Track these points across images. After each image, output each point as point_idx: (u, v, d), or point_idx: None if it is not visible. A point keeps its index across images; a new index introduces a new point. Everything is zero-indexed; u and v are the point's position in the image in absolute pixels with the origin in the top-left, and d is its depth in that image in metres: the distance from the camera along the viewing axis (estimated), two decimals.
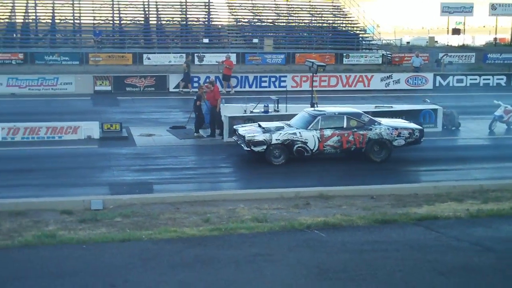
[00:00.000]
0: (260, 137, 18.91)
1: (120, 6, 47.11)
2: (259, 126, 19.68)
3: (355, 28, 49.57)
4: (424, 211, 14.30)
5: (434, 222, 13.41)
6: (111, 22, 46.71)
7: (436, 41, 58.15)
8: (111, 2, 46.87)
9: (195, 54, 37.51)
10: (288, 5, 50.41)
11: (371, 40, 48.35)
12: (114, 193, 16.16)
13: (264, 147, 18.87)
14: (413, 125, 20.30)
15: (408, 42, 56.25)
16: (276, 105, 23.95)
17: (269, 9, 50.16)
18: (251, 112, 23.07)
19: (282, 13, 50.19)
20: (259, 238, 12.43)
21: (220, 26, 48.67)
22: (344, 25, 50.24)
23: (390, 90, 35.10)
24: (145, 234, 12.59)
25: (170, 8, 48.37)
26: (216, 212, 14.34)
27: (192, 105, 23.88)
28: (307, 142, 19.04)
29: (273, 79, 35.20)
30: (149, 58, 40.48)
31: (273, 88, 33.85)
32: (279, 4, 50.48)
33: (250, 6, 50.08)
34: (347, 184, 17.08)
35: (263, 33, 46.41)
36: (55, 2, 46.08)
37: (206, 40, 44.38)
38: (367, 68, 41.42)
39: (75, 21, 45.91)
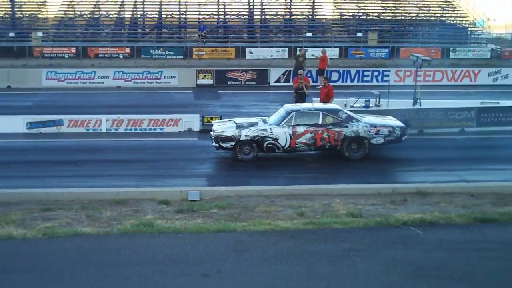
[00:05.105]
0: (229, 133, 18.52)
1: (225, 1, 47.67)
2: (234, 122, 19.34)
3: (463, 22, 48.19)
4: None
5: None
6: (216, 16, 47.34)
7: None
8: None
9: (298, 48, 37.45)
10: None
11: (480, 34, 46.86)
12: (211, 185, 16.39)
13: (233, 143, 18.45)
14: (394, 123, 19.35)
15: None
16: (377, 100, 23.60)
17: (375, 2, 49.48)
18: (352, 106, 22.83)
19: (388, 6, 49.39)
20: (354, 233, 12.34)
21: (324, 20, 48.41)
22: (452, 18, 48.90)
23: (498, 86, 33.89)
24: (239, 226, 12.73)
25: (275, 2, 48.53)
26: (311, 206, 14.29)
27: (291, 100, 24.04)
28: (278, 139, 18.47)
29: (375, 73, 34.65)
30: (251, 53, 40.78)
31: (376, 83, 33.36)
32: None
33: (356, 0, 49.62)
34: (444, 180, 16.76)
35: (368, 27, 45.83)
36: None
37: (309, 34, 44.26)
38: (474, 62, 40.16)
39: (181, 16, 46.80)
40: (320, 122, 18.72)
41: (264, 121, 19.27)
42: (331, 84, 24.50)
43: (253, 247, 11.58)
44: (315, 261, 10.91)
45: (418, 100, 23.62)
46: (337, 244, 11.74)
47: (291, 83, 29.24)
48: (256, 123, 19.10)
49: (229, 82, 33.37)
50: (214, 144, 18.79)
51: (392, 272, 10.49)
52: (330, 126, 18.67)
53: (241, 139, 18.53)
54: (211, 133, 19.13)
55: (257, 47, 41.58)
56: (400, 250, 11.47)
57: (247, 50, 40.96)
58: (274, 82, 33.78)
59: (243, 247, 11.57)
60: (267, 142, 18.57)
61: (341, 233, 12.32)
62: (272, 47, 41.75)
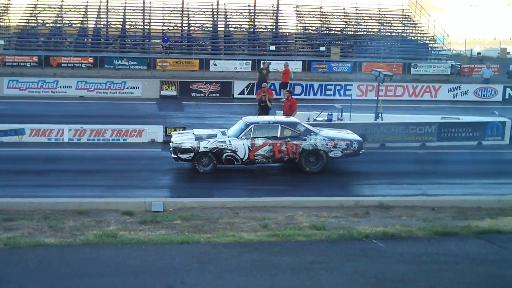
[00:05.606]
0: (188, 144, 18.61)
1: (189, 12, 47.65)
2: (193, 133, 19.50)
3: (424, 38, 48.94)
4: (487, 224, 14.03)
5: (496, 236, 13.17)
6: (179, 28, 47.33)
7: (508, 52, 56.75)
8: (181, 9, 47.49)
9: (261, 61, 37.65)
10: (357, 13, 50.14)
11: (440, 50, 47.59)
12: (175, 196, 16.38)
13: (192, 154, 18.55)
14: (352, 136, 19.62)
15: (478, 53, 54.99)
16: (340, 113, 23.83)
17: (337, 18, 49.96)
18: (315, 120, 23.02)
19: (351, 22, 49.92)
20: (317, 246, 12.42)
21: (287, 34, 48.69)
22: (413, 34, 49.62)
23: (458, 101, 34.48)
24: (203, 238, 12.74)
25: (239, 15, 48.72)
26: (274, 218, 14.37)
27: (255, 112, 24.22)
28: (236, 151, 18.61)
29: (338, 87, 34.96)
30: (215, 64, 40.83)
31: (338, 97, 33.58)
32: (348, 13, 50.24)
33: (319, 14, 50.00)
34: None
35: (331, 42, 46.24)
36: (126, 8, 46.95)
37: (272, 48, 44.50)
38: (435, 78, 40.76)
39: (145, 26, 46.68)
40: (278, 135, 18.85)
41: (223, 133, 19.33)
42: (294, 97, 24.70)
43: (217, 259, 11.59)
44: (279, 273, 10.96)
45: (380, 115, 23.92)
46: (300, 256, 11.81)
47: (255, 96, 29.38)
48: (215, 135, 19.16)
49: (193, 94, 33.32)
50: (172, 155, 18.79)
51: (355, 284, 10.60)
52: (289, 139, 18.81)
53: (199, 150, 18.56)
54: (170, 144, 19.15)
55: (221, 59, 41.65)
56: (362, 262, 11.58)
57: (211, 62, 40.98)
58: (238, 94, 33.86)
59: (207, 259, 11.57)
60: (226, 154, 18.63)
61: (304, 246, 12.40)
62: (236, 59, 41.84)
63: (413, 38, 49.21)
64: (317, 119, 23.20)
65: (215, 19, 47.75)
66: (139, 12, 46.76)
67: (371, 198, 16.20)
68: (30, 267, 11.09)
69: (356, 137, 19.65)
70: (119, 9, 46.98)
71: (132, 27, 46.80)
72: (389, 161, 20.88)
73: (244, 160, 18.75)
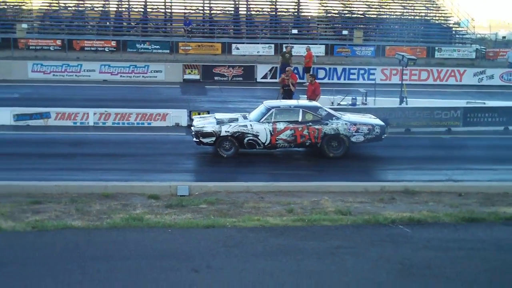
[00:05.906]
0: (209, 128, 18.57)
1: None
2: (215, 117, 19.43)
3: (448, 21, 48.47)
4: None
5: None
6: (201, 12, 47.24)
7: None
8: None
9: (284, 45, 37.51)
10: None
11: (464, 34, 47.15)
12: (199, 180, 16.41)
13: (213, 138, 18.50)
14: (374, 121, 19.42)
15: (504, 37, 54.43)
16: (364, 98, 23.72)
17: (360, 1, 49.65)
18: (339, 104, 22.93)
19: (373, 5, 49.57)
20: (342, 231, 12.38)
21: (309, 17, 48.46)
22: (437, 18, 49.19)
23: (483, 86, 34.25)
24: (229, 222, 12.73)
25: None
26: (300, 203, 14.33)
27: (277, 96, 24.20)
28: (258, 135, 18.53)
29: (362, 71, 34.83)
30: (237, 48, 40.74)
31: (362, 81, 33.49)
32: None
33: None
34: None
35: (353, 25, 45.93)
36: None
37: (295, 31, 44.31)
38: (459, 62, 40.42)
39: (167, 10, 46.64)
40: (300, 119, 18.75)
41: (245, 117, 19.28)
42: (317, 81, 24.61)
43: (242, 243, 11.60)
44: (304, 258, 10.95)
45: (405, 99, 23.78)
46: (326, 241, 11.78)
47: (278, 80, 29.33)
48: (237, 119, 19.12)
49: (215, 78, 33.39)
50: (194, 139, 18.82)
51: (380, 270, 10.56)
52: (310, 123, 18.71)
53: (221, 134, 18.55)
54: (192, 128, 19.18)
55: (243, 43, 41.54)
56: (388, 248, 11.54)
57: (233, 45, 40.91)
58: (261, 78, 33.87)
59: (233, 243, 11.58)
60: (248, 138, 18.60)
61: (329, 230, 12.36)
62: (258, 43, 41.72)
63: (436, 22, 48.74)
64: (341, 103, 23.11)
65: (236, 2, 47.60)
66: None
67: (397, 184, 16.04)
68: (58, 250, 11.17)
69: (378, 121, 19.52)
70: None
71: (153, 10, 46.80)
72: (414, 146, 20.73)
73: (266, 144, 18.72)
